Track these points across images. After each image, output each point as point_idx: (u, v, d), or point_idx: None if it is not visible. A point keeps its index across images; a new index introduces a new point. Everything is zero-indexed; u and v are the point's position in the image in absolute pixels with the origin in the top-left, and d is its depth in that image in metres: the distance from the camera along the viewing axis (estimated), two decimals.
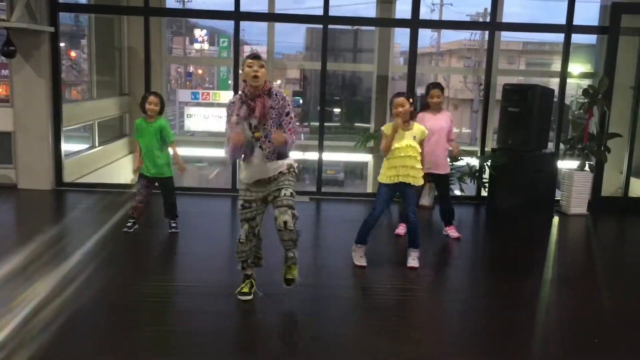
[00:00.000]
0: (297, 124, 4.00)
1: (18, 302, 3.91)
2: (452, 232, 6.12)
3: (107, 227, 5.90)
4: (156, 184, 5.80)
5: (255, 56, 3.83)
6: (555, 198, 7.80)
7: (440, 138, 5.87)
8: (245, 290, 4.14)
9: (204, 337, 3.59)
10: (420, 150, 4.83)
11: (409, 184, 4.84)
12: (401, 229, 6.01)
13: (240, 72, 3.94)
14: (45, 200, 7.46)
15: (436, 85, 6.03)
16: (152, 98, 5.59)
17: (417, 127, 4.89)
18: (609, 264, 5.83)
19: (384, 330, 3.89)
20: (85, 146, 10.00)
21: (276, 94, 3.91)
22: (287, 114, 3.95)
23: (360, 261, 5.01)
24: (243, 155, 3.96)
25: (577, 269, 5.60)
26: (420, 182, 4.89)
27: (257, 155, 3.91)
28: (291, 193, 3.96)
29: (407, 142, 4.77)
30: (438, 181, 6.07)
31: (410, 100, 4.83)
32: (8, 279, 4.39)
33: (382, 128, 4.94)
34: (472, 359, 3.50)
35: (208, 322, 3.84)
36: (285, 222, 3.88)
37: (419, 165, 4.84)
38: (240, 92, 3.95)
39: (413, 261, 4.95)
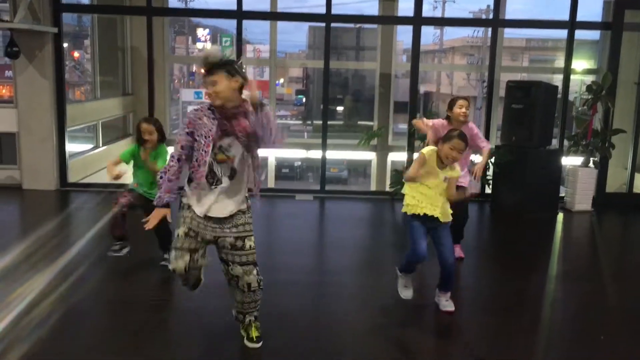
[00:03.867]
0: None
1: (16, 296, 3.93)
2: (458, 250, 5.26)
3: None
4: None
5: (210, 71, 2.90)
6: (560, 195, 7.79)
7: (467, 152, 5.01)
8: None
9: (207, 334, 3.60)
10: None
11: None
12: None
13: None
14: (50, 200, 7.48)
15: (464, 98, 5.06)
16: (144, 126, 4.52)
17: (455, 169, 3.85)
18: (614, 260, 5.82)
19: (389, 327, 3.89)
20: (90, 146, 10.02)
21: (260, 114, 2.86)
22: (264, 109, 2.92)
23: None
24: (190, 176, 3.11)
25: (581, 266, 5.59)
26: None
27: (218, 188, 3.06)
28: (254, 243, 3.19)
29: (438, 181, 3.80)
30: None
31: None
32: (10, 275, 4.40)
33: (423, 152, 3.83)
34: (477, 355, 3.50)
35: (210, 319, 3.84)
36: (249, 285, 3.17)
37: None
38: (209, 106, 3.01)
39: (447, 303, 4.08)
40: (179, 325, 3.86)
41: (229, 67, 2.90)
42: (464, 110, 4.90)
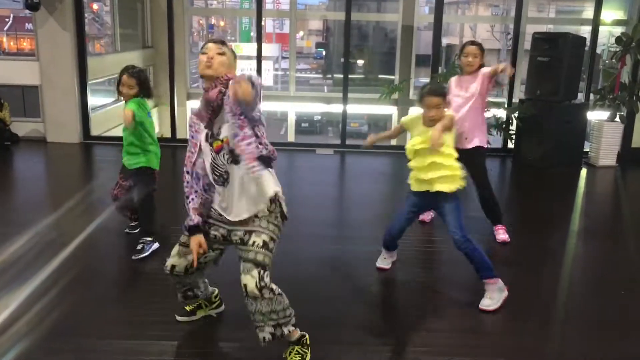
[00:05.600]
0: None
1: (44, 244, 4.04)
2: (501, 233, 4.71)
3: None
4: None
5: (214, 40, 2.72)
6: (584, 150, 7.68)
7: (473, 105, 4.37)
8: (188, 309, 3.23)
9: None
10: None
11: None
12: (427, 216, 5.00)
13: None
14: (74, 153, 7.58)
15: (472, 43, 4.46)
16: (125, 78, 4.01)
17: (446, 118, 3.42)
18: (637, 216, 5.76)
19: (408, 281, 3.93)
20: (111, 99, 10.07)
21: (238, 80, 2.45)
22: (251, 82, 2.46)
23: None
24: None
25: (604, 222, 5.55)
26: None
27: (223, 189, 2.70)
28: (264, 242, 2.66)
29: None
30: (466, 158, 4.06)
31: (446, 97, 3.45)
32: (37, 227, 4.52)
33: (403, 120, 3.67)
34: (497, 313, 3.53)
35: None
36: (245, 287, 2.59)
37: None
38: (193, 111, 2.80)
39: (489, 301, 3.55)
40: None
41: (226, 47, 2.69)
42: (470, 59, 4.36)
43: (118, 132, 8.97)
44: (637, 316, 3.52)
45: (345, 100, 8.20)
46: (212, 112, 2.64)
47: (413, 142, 3.48)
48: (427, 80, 8.55)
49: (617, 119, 7.54)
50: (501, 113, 7.73)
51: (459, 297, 3.80)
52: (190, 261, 2.80)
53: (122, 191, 4.24)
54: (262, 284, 2.59)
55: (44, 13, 7.52)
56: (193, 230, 2.73)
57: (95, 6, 13.83)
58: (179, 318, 3.19)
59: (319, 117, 22.94)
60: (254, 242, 2.66)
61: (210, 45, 2.65)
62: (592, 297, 3.80)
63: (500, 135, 7.78)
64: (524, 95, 7.69)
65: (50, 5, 7.53)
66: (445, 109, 3.43)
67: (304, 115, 21.13)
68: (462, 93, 4.40)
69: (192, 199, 2.76)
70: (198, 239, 2.73)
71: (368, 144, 3.75)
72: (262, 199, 2.68)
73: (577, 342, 3.18)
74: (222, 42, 2.69)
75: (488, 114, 7.53)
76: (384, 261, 4.05)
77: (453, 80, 4.57)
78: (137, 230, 4.45)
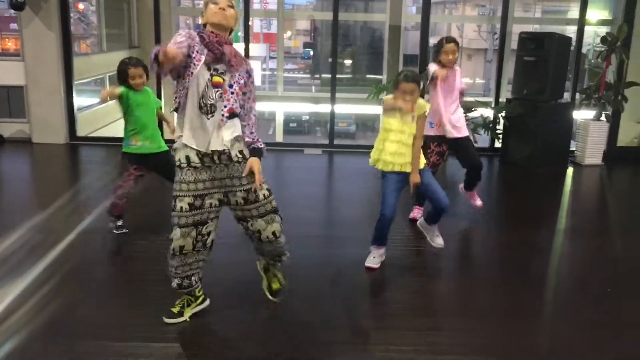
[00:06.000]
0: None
1: (30, 247, 4.01)
2: (478, 199, 5.33)
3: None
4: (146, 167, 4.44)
5: None
6: (570, 149, 7.74)
7: (457, 98, 4.85)
8: (175, 310, 3.20)
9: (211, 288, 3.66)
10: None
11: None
12: (417, 214, 5.01)
13: (201, 16, 2.96)
14: (60, 154, 7.52)
15: (451, 40, 4.76)
16: (134, 70, 4.26)
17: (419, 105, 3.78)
18: (623, 214, 5.81)
19: (398, 280, 3.93)
20: (97, 100, 9.99)
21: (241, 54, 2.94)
22: (253, 82, 3.00)
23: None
24: (178, 104, 2.84)
25: (591, 220, 5.60)
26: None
27: (204, 119, 2.82)
28: (269, 191, 3.01)
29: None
30: (460, 146, 4.89)
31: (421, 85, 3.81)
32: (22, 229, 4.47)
33: (386, 98, 3.83)
34: (485, 309, 3.55)
35: (217, 273, 3.89)
36: (274, 233, 3.03)
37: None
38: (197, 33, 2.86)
39: (438, 239, 4.23)
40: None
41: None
42: (450, 57, 4.65)
43: (104, 132, 8.96)
44: (623, 314, 3.55)
45: (333, 100, 8.20)
46: (216, 56, 2.80)
47: (393, 123, 3.72)
48: None
49: (603, 118, 7.61)
50: (488, 112, 7.77)
51: (448, 296, 3.81)
52: (194, 237, 2.90)
53: (133, 183, 4.32)
54: (280, 226, 3.06)
55: (29, 13, 7.45)
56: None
57: (81, 6, 13.71)
58: (167, 320, 3.17)
59: (307, 117, 22.93)
60: (264, 195, 2.97)
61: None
62: (579, 294, 3.83)
63: (488, 135, 7.82)
64: (511, 95, 7.74)
65: (36, 5, 7.45)
66: (419, 96, 3.68)
67: (292, 115, 21.09)
68: (447, 88, 4.71)
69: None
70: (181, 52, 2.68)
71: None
72: (241, 139, 2.92)
73: (566, 339, 3.20)
74: None
75: (475, 113, 7.60)
76: (372, 260, 4.04)
77: (436, 67, 4.65)
78: (124, 230, 4.46)
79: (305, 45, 30.99)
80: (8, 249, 4.05)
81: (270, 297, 3.29)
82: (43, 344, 2.94)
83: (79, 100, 8.25)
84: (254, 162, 2.87)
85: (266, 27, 26.63)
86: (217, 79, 2.81)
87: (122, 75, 4.27)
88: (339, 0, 8.07)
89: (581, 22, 7.89)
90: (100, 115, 9.47)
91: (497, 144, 7.88)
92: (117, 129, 9.53)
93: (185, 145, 2.87)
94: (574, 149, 7.80)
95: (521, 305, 3.61)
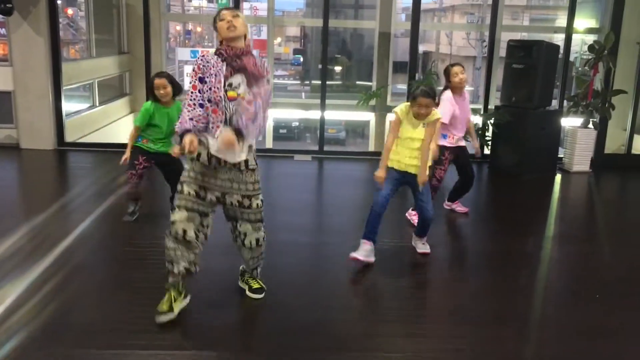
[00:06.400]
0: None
1: (24, 254, 3.96)
2: (460, 206, 5.60)
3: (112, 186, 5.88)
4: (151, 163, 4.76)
5: (226, 7, 3.27)
6: (559, 155, 7.79)
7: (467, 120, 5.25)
8: (165, 308, 3.22)
9: (199, 279, 3.64)
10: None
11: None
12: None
13: (215, 34, 3.17)
14: (48, 159, 7.46)
15: (457, 64, 5.15)
16: (157, 81, 4.49)
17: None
18: (611, 220, 5.86)
19: (388, 287, 3.93)
20: (86, 105, 9.95)
21: (261, 60, 3.18)
22: (268, 81, 3.21)
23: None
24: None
25: (578, 226, 5.63)
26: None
27: (221, 127, 3.05)
28: (262, 202, 3.30)
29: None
30: (462, 153, 5.30)
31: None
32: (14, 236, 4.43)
33: (396, 111, 4.05)
34: (474, 315, 3.55)
35: (211, 280, 3.87)
36: (257, 240, 3.34)
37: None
38: (215, 52, 3.11)
39: (423, 246, 4.42)
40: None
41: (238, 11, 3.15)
42: (463, 77, 5.03)
43: (93, 138, 8.91)
44: (612, 321, 3.57)
45: (323, 106, 8.21)
46: (234, 69, 3.02)
47: (406, 130, 3.98)
48: (404, 87, 8.61)
49: (590, 125, 7.68)
50: (477, 119, 7.81)
51: (438, 303, 3.82)
52: (197, 224, 3.10)
53: (144, 170, 4.65)
54: (264, 235, 3.35)
55: (17, 18, 7.41)
56: (186, 131, 2.98)
57: (70, 11, 13.67)
58: (159, 320, 3.17)
59: (297, 124, 22.94)
60: (257, 205, 3.24)
61: (225, 12, 3.07)
62: (567, 301, 3.84)
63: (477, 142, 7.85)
64: (500, 102, 7.78)
65: (24, 10, 7.41)
66: (434, 109, 3.98)
67: (281, 121, 21.11)
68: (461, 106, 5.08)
69: (195, 126, 2.99)
70: (190, 137, 2.96)
71: (382, 180, 4.06)
72: (251, 151, 3.18)
73: (554, 346, 3.21)
74: (234, 9, 3.16)
75: None
76: (357, 252, 4.08)
77: (450, 96, 5.02)
78: (133, 218, 4.80)
79: (295, 51, 31.05)
80: None
81: (252, 295, 3.53)
82: (38, 351, 2.90)
83: (67, 106, 8.21)
84: (228, 134, 2.96)
85: (256, 34, 26.66)
86: (231, 93, 3.04)
87: (150, 87, 4.54)
88: (329, 7, 8.10)
89: (569, 31, 7.97)
90: (88, 120, 9.42)
91: (486, 151, 7.92)
92: (105, 135, 9.52)
93: (203, 144, 3.08)
94: (562, 155, 7.86)
95: (510, 312, 3.62)
